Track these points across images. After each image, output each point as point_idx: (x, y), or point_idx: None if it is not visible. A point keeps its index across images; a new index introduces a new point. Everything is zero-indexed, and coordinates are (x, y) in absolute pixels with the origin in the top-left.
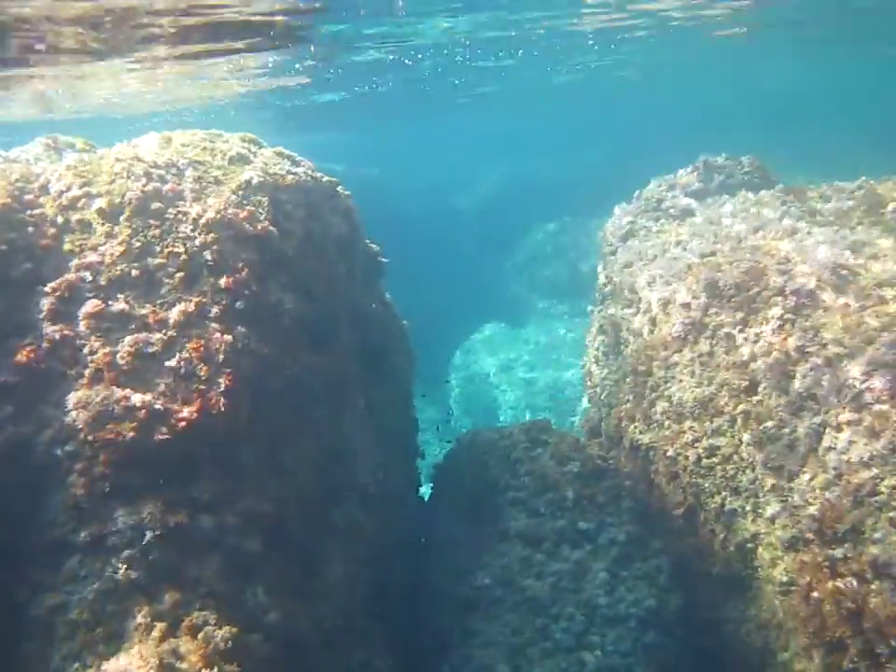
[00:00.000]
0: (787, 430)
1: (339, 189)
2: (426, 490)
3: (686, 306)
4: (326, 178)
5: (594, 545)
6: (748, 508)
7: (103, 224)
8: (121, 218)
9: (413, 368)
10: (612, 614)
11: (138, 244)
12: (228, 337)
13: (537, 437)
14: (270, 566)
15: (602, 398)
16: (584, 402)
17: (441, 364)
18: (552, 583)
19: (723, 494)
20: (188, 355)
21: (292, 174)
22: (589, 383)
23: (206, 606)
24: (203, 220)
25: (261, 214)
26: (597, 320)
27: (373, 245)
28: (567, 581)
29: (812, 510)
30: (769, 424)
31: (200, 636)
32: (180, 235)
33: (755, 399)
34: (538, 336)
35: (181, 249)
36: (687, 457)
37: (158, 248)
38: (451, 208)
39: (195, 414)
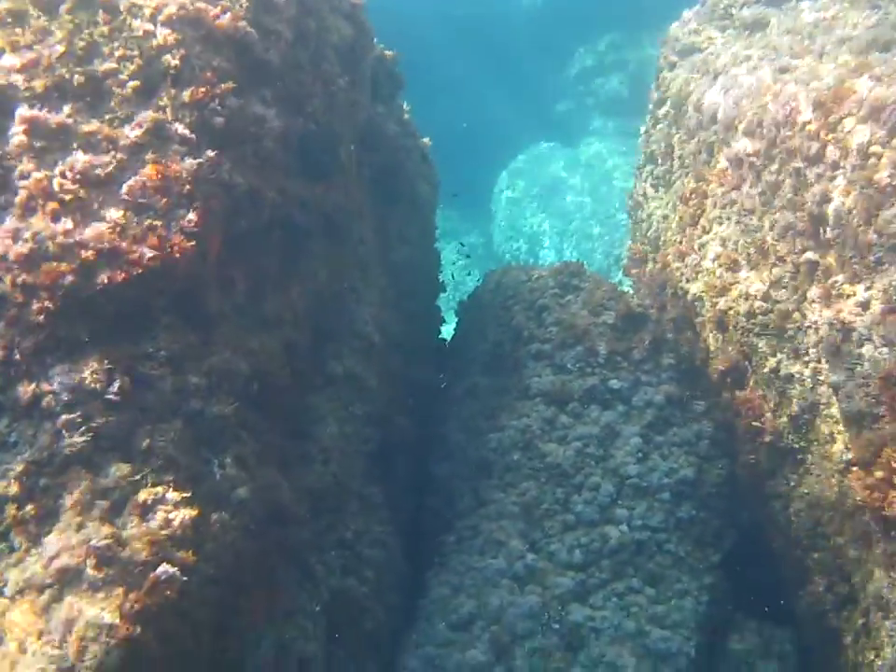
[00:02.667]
0: (862, 286)
1: None
2: (450, 330)
3: (751, 133)
4: None
5: (627, 406)
6: (807, 374)
7: (39, 17)
8: (62, 9)
9: (437, 195)
10: (644, 484)
11: (82, 43)
12: (193, 162)
13: (568, 282)
14: (245, 431)
15: (648, 234)
16: (628, 241)
17: (484, 186)
18: (576, 449)
19: (780, 356)
20: (143, 183)
21: None
22: (635, 217)
23: (160, 481)
24: (162, 15)
25: (239, 9)
26: (648, 145)
27: (389, 53)
28: (593, 447)
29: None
30: (840, 278)
31: (150, 517)
32: (135, 34)
33: (826, 247)
34: (590, 157)
35: (135, 52)
36: (739, 311)
37: (106, 49)
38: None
39: (150, 256)
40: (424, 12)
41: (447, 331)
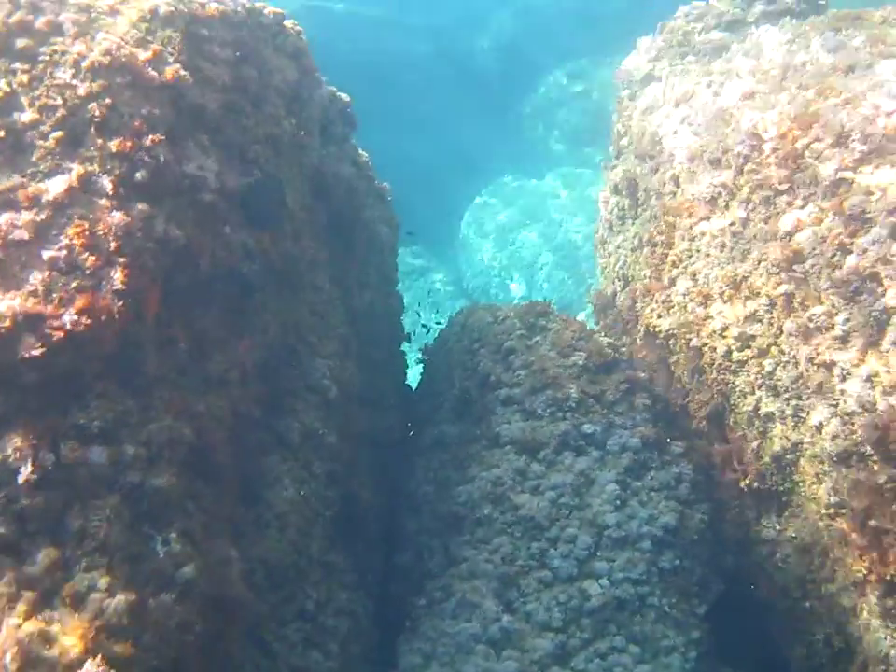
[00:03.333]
0: (840, 318)
1: (286, 24)
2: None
3: (716, 163)
4: (267, 9)
5: (602, 452)
6: (788, 412)
7: None
8: None
9: (396, 236)
10: (622, 534)
11: (0, 93)
12: (123, 217)
13: (535, 322)
14: (191, 502)
15: (616, 269)
16: (597, 275)
17: (451, 221)
18: (550, 499)
19: (758, 394)
20: (68, 241)
21: (218, 2)
22: (602, 251)
23: (95, 565)
24: (87, 62)
25: (171, 54)
26: (611, 177)
27: (342, 95)
28: (568, 497)
29: (872, 417)
30: (818, 310)
31: (83, 607)
32: (57, 83)
33: (800, 278)
34: (556, 187)
35: (58, 101)
36: (715, 348)
37: (26, 99)
38: (462, 50)
39: (78, 320)
40: (387, 46)
41: (414, 376)
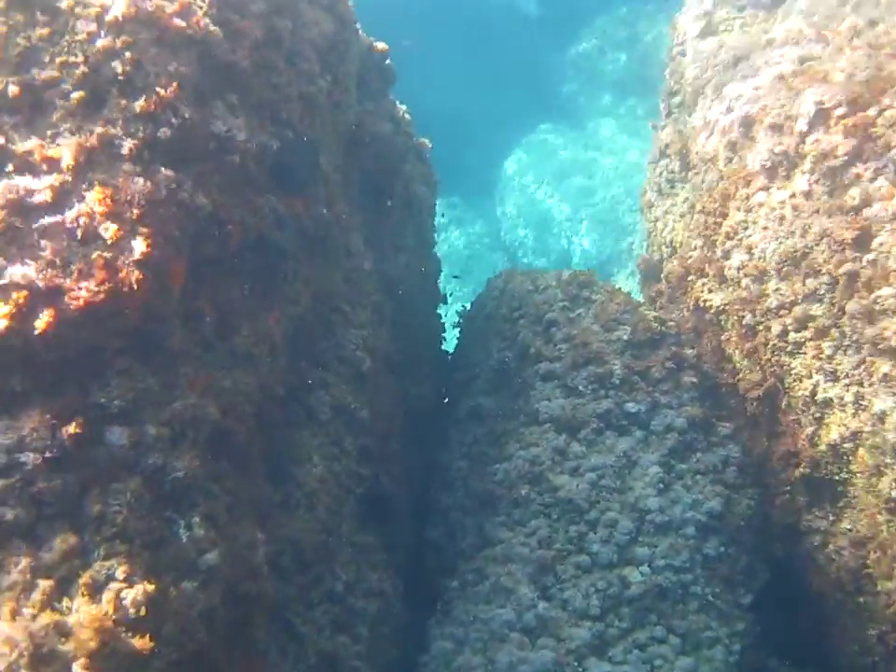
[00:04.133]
0: None
1: None
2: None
3: (777, 128)
4: None
5: (645, 432)
6: (847, 398)
7: None
8: None
9: (434, 196)
10: (666, 519)
11: (18, 48)
12: (147, 183)
13: (578, 293)
14: (216, 484)
15: (663, 235)
16: (640, 239)
17: (489, 172)
18: (591, 481)
19: (816, 378)
20: (89, 209)
21: None
22: (648, 215)
23: (114, 552)
24: (110, 16)
25: (200, 7)
26: (661, 138)
27: (379, 46)
28: (609, 479)
29: None
30: (885, 292)
31: (101, 597)
32: (78, 37)
33: (867, 256)
34: (598, 138)
35: (79, 58)
36: (770, 328)
37: (46, 56)
38: None
39: (98, 293)
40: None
41: (451, 339)
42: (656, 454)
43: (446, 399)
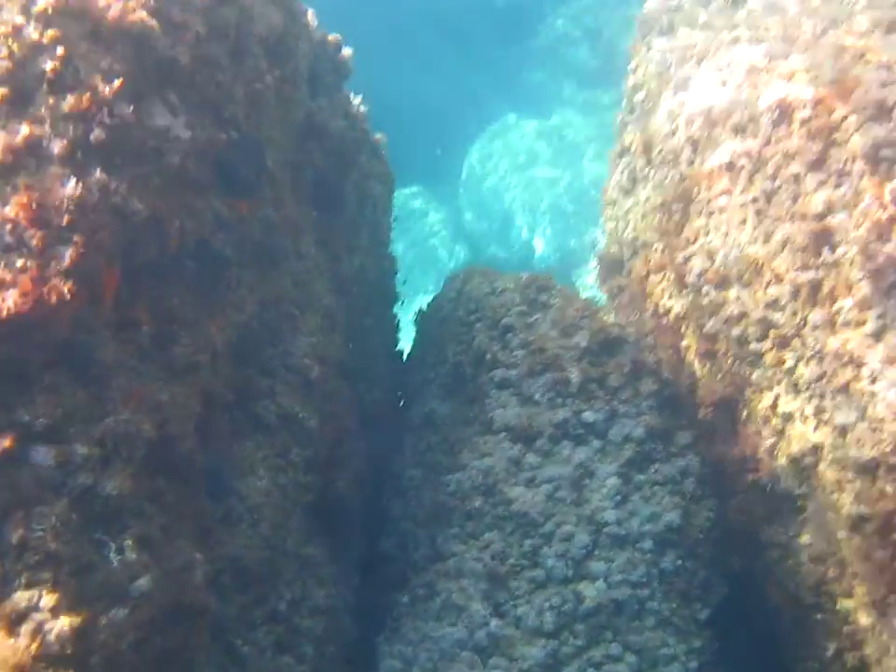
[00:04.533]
0: (874, 313)
1: None
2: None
3: (740, 129)
4: None
5: (603, 441)
6: (808, 411)
7: None
8: None
9: (391, 194)
10: (622, 533)
11: None
12: (76, 187)
13: (536, 298)
14: (151, 503)
15: (624, 235)
16: (601, 236)
17: (452, 160)
18: (546, 493)
19: (776, 389)
20: (14, 214)
21: None
22: (610, 213)
23: (37, 581)
24: (37, 7)
25: None
26: (624, 135)
27: (333, 39)
28: (565, 490)
29: None
30: (847, 302)
31: (21, 631)
32: (2, 30)
33: (830, 265)
34: (563, 127)
35: (3, 52)
36: (730, 337)
37: None
38: None
39: (23, 305)
40: None
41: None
42: (614, 464)
43: (402, 403)
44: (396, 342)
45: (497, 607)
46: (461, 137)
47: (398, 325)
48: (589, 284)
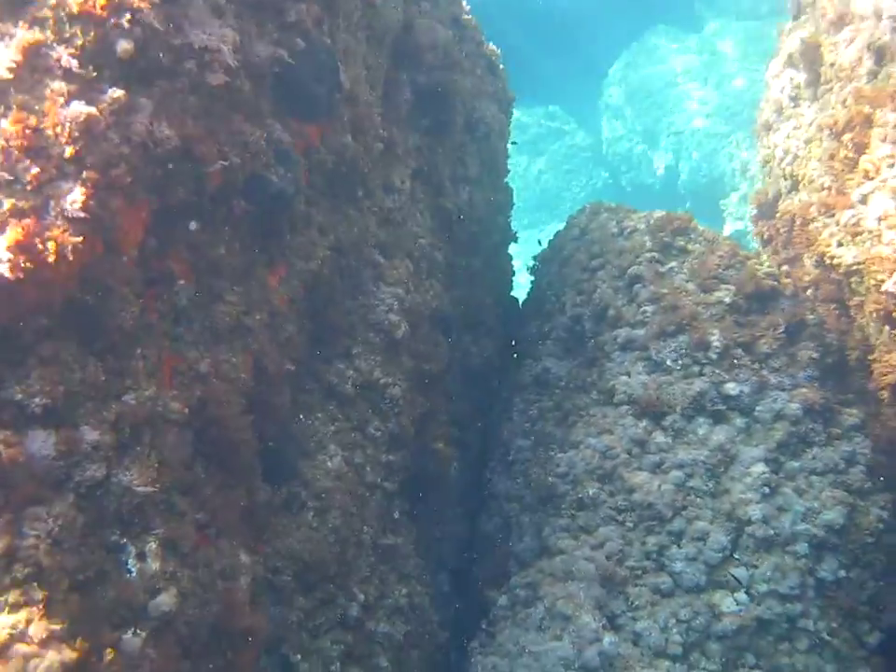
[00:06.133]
0: None
1: None
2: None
3: None
4: None
5: (748, 420)
6: None
7: None
8: None
9: (508, 116)
10: (770, 533)
11: None
12: (84, 108)
13: (671, 242)
14: (183, 497)
15: (783, 165)
16: (754, 165)
17: (593, 81)
18: (676, 481)
19: None
20: (5, 142)
21: None
22: (766, 139)
23: (26, 601)
24: None
25: None
26: (786, 45)
27: None
28: (700, 479)
29: None
30: None
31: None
32: None
33: None
34: (715, 42)
35: None
36: None
37: None
38: None
39: (14, 260)
40: None
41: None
42: (761, 448)
43: (515, 355)
44: (510, 286)
45: (612, 619)
46: (604, 53)
47: (511, 268)
48: (736, 217)
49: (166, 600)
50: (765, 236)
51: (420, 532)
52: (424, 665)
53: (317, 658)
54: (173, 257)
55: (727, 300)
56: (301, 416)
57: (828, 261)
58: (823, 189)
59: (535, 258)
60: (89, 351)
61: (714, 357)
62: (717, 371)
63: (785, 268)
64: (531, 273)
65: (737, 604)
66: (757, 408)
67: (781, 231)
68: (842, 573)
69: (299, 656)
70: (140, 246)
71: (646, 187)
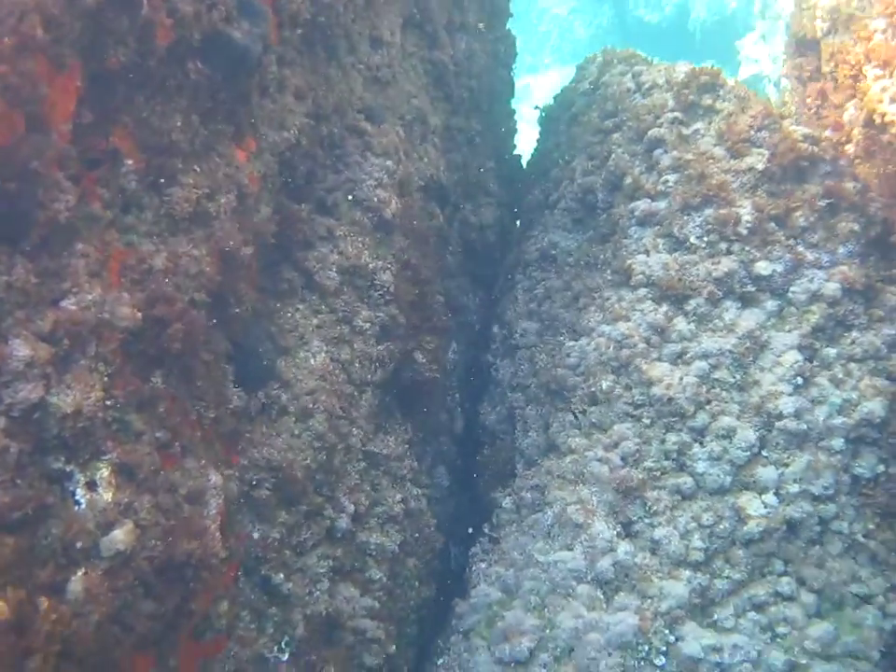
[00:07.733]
0: None
1: None
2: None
3: None
4: None
5: (781, 302)
6: None
7: None
8: None
9: None
10: (802, 427)
11: None
12: None
13: (696, 100)
14: (141, 413)
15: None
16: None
17: None
18: (700, 372)
19: None
20: None
21: None
22: None
23: None
24: None
25: None
26: None
27: None
28: (726, 370)
29: None
30: None
31: None
32: None
33: None
34: None
35: None
36: None
37: None
38: None
39: None
40: None
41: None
42: (795, 333)
43: (518, 222)
44: (511, 147)
45: (628, 526)
46: None
47: (514, 126)
48: (755, 60)
49: (121, 536)
50: (803, 87)
51: (415, 425)
52: (421, 573)
53: (303, 576)
54: (116, 133)
55: (759, 166)
56: (280, 309)
57: (877, 119)
58: (876, 30)
59: (542, 109)
60: (16, 250)
61: (744, 232)
62: (747, 249)
63: (823, 130)
64: (539, 125)
65: (765, 507)
66: (791, 289)
67: (818, 81)
68: (881, 468)
69: (281, 575)
70: (73, 121)
71: (652, 27)
